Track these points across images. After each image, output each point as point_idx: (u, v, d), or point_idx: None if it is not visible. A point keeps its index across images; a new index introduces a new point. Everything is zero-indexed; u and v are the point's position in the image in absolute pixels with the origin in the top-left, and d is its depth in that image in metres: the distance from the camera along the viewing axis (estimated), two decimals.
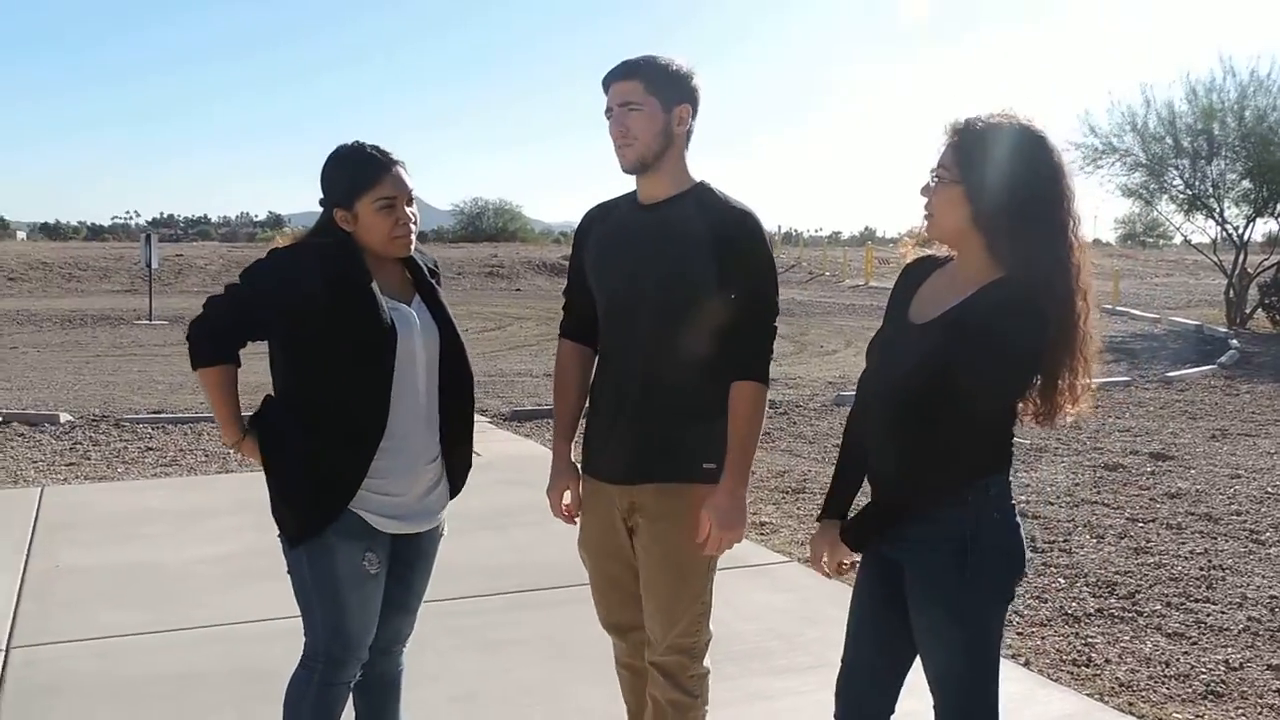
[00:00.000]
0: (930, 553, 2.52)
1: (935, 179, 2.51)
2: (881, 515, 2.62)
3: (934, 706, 2.62)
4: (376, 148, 2.94)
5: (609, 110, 2.94)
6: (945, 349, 2.42)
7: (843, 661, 2.82)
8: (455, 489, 3.19)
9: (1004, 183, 2.42)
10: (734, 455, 2.93)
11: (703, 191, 2.99)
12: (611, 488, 3.07)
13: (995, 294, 2.43)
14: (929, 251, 2.70)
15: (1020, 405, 2.54)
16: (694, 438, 2.98)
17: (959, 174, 2.46)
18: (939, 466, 2.48)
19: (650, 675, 3.13)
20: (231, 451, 8.62)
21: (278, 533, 2.99)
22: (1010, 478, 2.60)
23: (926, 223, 2.58)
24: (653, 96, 2.90)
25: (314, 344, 2.86)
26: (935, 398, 2.42)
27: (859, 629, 2.79)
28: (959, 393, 2.39)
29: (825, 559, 2.74)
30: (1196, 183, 22.62)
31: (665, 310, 2.93)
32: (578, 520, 3.25)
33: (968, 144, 2.47)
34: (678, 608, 3.04)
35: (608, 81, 2.95)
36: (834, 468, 2.86)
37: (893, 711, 2.76)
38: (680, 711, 3.09)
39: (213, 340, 2.92)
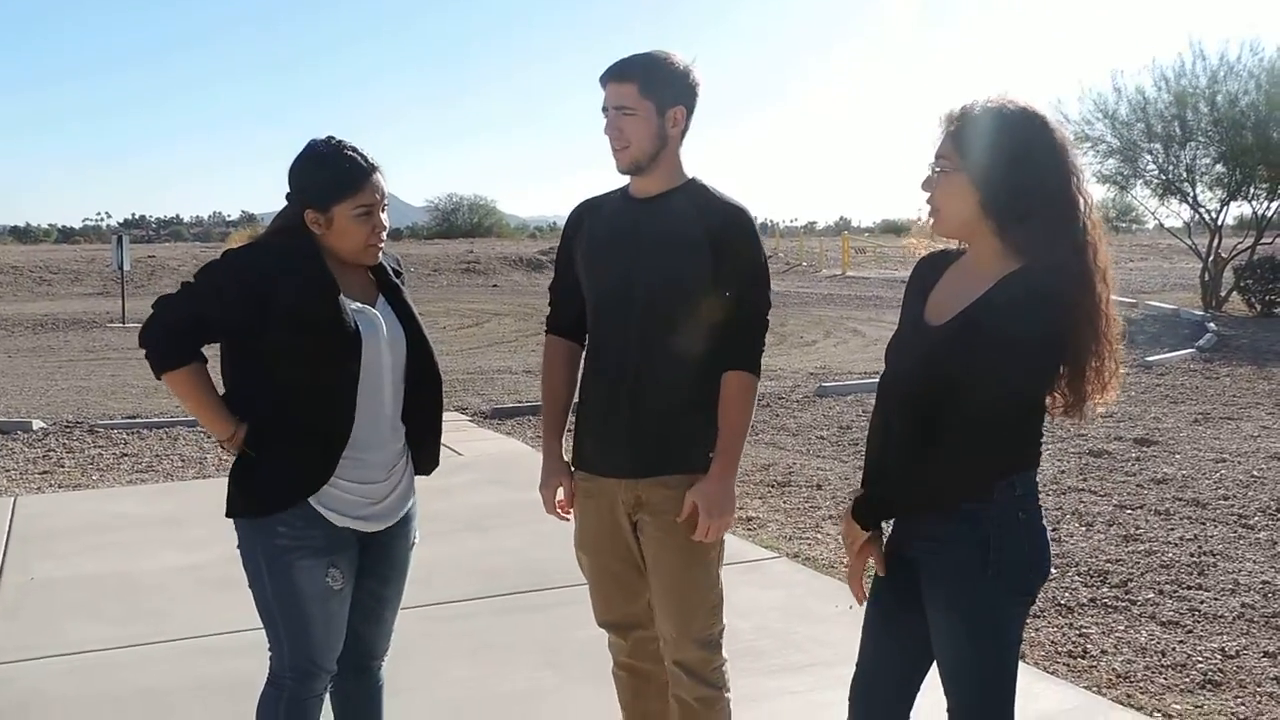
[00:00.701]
0: (951, 551, 2.44)
1: (937, 170, 2.43)
2: (899, 505, 2.56)
3: (948, 709, 2.53)
4: (357, 150, 2.82)
5: (605, 109, 2.91)
6: (966, 349, 2.34)
7: (858, 665, 2.74)
8: (423, 469, 3.12)
9: (1008, 165, 2.34)
10: (724, 443, 2.96)
11: (696, 188, 2.99)
12: (614, 482, 3.03)
13: (1013, 287, 2.34)
14: (941, 245, 2.62)
15: (1049, 399, 2.45)
16: (696, 430, 2.98)
17: (960, 161, 2.38)
18: (966, 466, 2.39)
19: (673, 676, 3.09)
20: (209, 456, 8.58)
21: (236, 542, 2.88)
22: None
23: (932, 219, 2.48)
24: (648, 100, 2.88)
25: (276, 348, 2.75)
26: (959, 398, 2.33)
27: (876, 632, 2.70)
28: (983, 391, 2.31)
29: (845, 542, 2.65)
30: (1170, 167, 22.69)
31: (662, 304, 2.92)
32: (570, 517, 3.18)
33: (966, 130, 2.38)
34: (695, 599, 3.03)
35: (604, 79, 2.91)
36: (862, 477, 2.75)
37: (908, 718, 2.68)
38: (709, 706, 3.07)
39: (173, 340, 2.76)
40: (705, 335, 2.94)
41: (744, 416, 2.99)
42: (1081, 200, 2.38)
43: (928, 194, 2.47)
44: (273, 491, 2.81)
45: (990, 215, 2.37)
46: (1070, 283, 2.31)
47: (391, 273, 3.05)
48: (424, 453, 3.09)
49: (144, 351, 2.78)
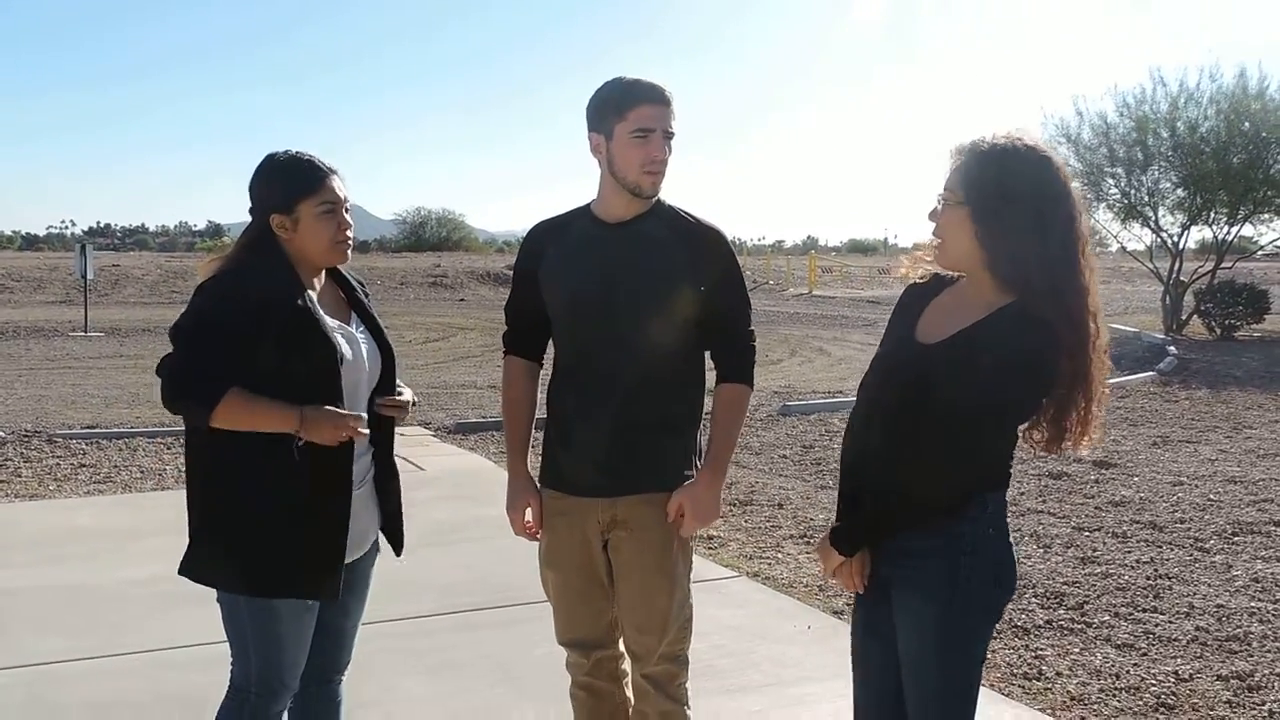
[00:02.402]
0: (923, 566, 2.50)
1: (941, 202, 2.49)
2: (877, 522, 2.59)
3: None
4: (313, 156, 2.87)
5: (649, 131, 2.89)
6: (957, 366, 2.40)
7: (856, 699, 2.78)
8: (394, 530, 3.13)
9: (1007, 203, 2.38)
10: (716, 451, 3.04)
11: (667, 210, 3.04)
12: (589, 501, 3.04)
13: (1007, 319, 2.40)
14: (934, 270, 2.66)
15: (1030, 433, 2.52)
16: (675, 447, 3.05)
17: (963, 195, 2.43)
18: (943, 480, 2.46)
19: (639, 691, 3.13)
20: (169, 468, 8.50)
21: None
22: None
23: (937, 250, 2.54)
24: (674, 129, 2.96)
25: (267, 377, 2.72)
26: (942, 415, 2.40)
27: (863, 654, 2.75)
28: (967, 408, 2.38)
29: (821, 566, 2.72)
30: (1132, 191, 22.96)
31: (645, 324, 2.95)
32: (539, 537, 3.18)
33: (972, 165, 2.44)
34: (669, 615, 3.06)
35: (661, 97, 2.90)
36: (837, 492, 2.79)
37: None
38: None
39: (196, 386, 2.69)
40: (688, 356, 3.03)
41: (738, 426, 3.09)
42: (1079, 243, 2.43)
43: (933, 225, 2.53)
44: (278, 577, 2.79)
45: (985, 249, 2.42)
46: (1063, 325, 2.36)
47: (359, 290, 3.07)
48: (389, 492, 3.09)
49: (181, 415, 2.77)
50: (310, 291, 2.84)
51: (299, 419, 2.71)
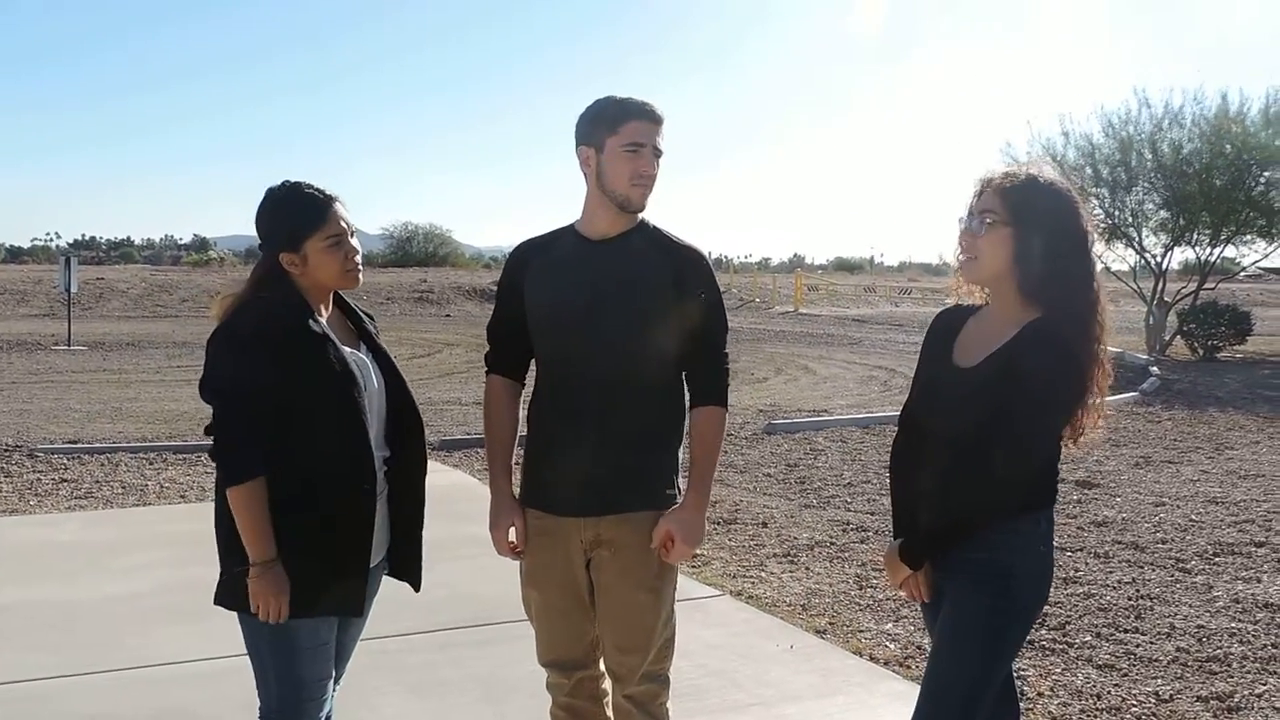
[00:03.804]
0: (975, 577, 2.70)
1: (984, 223, 2.73)
2: (938, 539, 2.77)
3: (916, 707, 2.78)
4: (312, 186, 2.89)
5: (640, 146, 2.95)
6: (997, 389, 2.63)
7: None
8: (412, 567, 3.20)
9: (1044, 226, 2.67)
10: (699, 473, 3.05)
11: (651, 229, 3.08)
12: (572, 521, 3.05)
13: (1040, 332, 2.65)
14: (961, 302, 2.95)
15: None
16: (659, 466, 3.06)
17: (1009, 217, 2.70)
18: (996, 502, 2.67)
19: (621, 711, 3.15)
20: (150, 484, 8.47)
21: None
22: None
23: (969, 266, 2.79)
24: (663, 147, 3.02)
25: (295, 412, 2.76)
26: (991, 435, 2.62)
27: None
28: (1013, 429, 2.61)
29: (889, 578, 2.92)
30: (1116, 212, 23.11)
31: (628, 343, 2.98)
32: (522, 556, 3.19)
33: (1013, 191, 2.70)
34: (653, 634, 3.08)
35: (653, 115, 2.96)
36: (890, 498, 3.06)
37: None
38: None
39: (232, 454, 2.74)
40: (669, 373, 3.05)
41: (716, 447, 3.10)
42: (1094, 265, 2.76)
43: (967, 242, 2.78)
44: (297, 598, 2.80)
45: (1020, 269, 2.70)
46: (1083, 333, 2.66)
47: (368, 321, 3.12)
48: (407, 522, 3.15)
49: (216, 464, 2.80)
50: (321, 319, 2.88)
51: (264, 567, 2.75)
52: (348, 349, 2.90)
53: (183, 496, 7.97)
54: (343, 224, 2.87)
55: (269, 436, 2.74)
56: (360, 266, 2.94)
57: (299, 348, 2.76)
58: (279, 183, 2.91)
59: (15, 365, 18.47)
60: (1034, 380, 2.59)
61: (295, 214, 2.85)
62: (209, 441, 2.78)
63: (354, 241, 2.92)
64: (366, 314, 3.15)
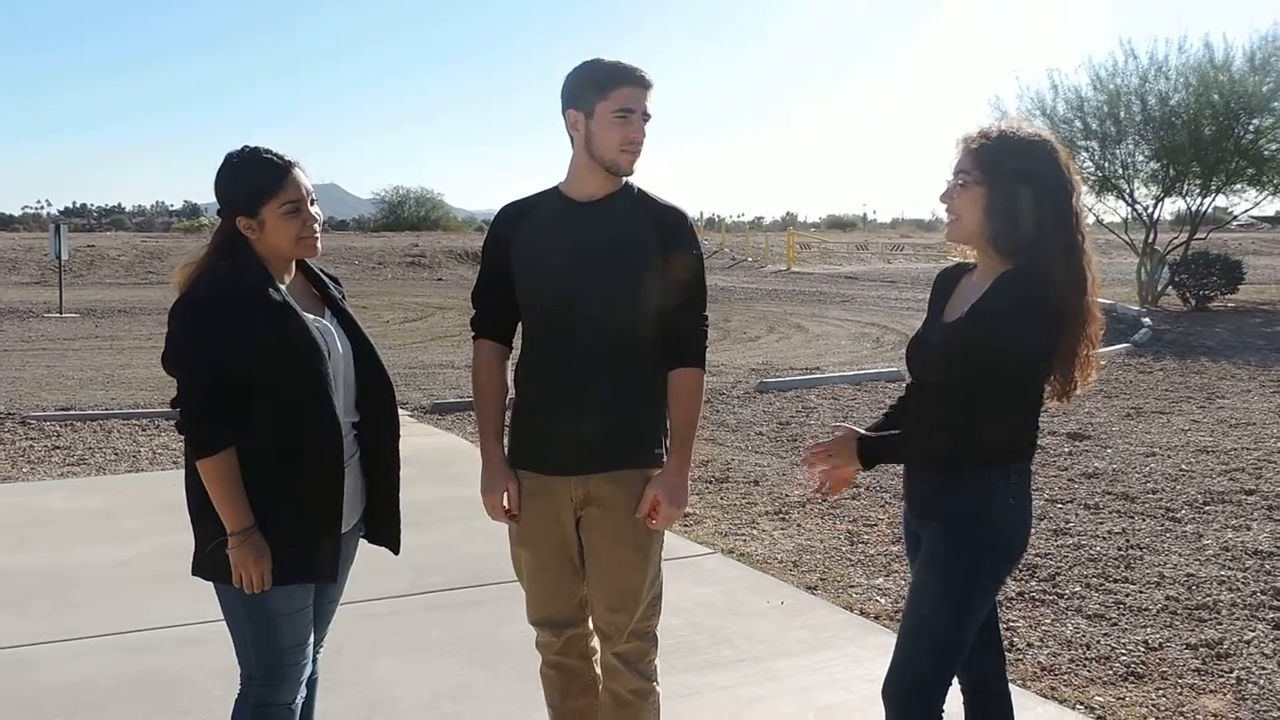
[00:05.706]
0: (946, 526, 2.77)
1: (960, 183, 2.77)
2: (892, 451, 2.89)
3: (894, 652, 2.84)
4: (271, 151, 2.84)
5: (630, 111, 2.93)
6: (970, 340, 2.68)
7: None
8: (392, 531, 3.16)
9: (1018, 184, 2.69)
10: (680, 436, 3.06)
11: (635, 191, 3.08)
12: (561, 480, 3.05)
13: (1009, 279, 2.70)
14: (963, 260, 2.99)
15: (1045, 386, 2.80)
16: (646, 424, 3.08)
17: (980, 176, 2.73)
18: (951, 447, 2.72)
19: (609, 669, 3.16)
20: (143, 450, 8.47)
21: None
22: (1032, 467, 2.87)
23: (952, 226, 2.83)
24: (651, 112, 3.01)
25: (258, 381, 2.74)
26: (966, 386, 2.67)
27: None
28: (966, 375, 2.67)
29: (824, 462, 2.89)
30: (1106, 164, 23.04)
31: (615, 303, 2.99)
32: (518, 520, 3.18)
33: (985, 150, 2.74)
34: (641, 592, 3.09)
35: (643, 80, 2.95)
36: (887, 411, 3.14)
37: (1002, 668, 3.03)
38: (643, 698, 3.15)
39: (200, 424, 2.72)
40: (654, 332, 3.04)
41: (697, 410, 3.11)
42: (1075, 216, 2.76)
43: (946, 204, 2.83)
44: (281, 566, 2.80)
45: (991, 223, 2.73)
46: (1052, 282, 2.66)
47: (332, 286, 3.08)
48: (383, 483, 3.12)
49: (184, 437, 2.79)
50: (281, 286, 2.85)
51: (243, 535, 2.74)
52: (310, 315, 2.87)
53: (175, 462, 7.92)
54: (302, 190, 2.83)
55: (234, 405, 2.72)
56: (318, 234, 2.89)
57: (257, 317, 2.73)
58: (239, 146, 2.86)
59: (7, 333, 18.42)
60: (988, 326, 2.65)
61: (253, 178, 2.80)
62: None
63: (315, 209, 2.87)
64: (331, 277, 3.11)
